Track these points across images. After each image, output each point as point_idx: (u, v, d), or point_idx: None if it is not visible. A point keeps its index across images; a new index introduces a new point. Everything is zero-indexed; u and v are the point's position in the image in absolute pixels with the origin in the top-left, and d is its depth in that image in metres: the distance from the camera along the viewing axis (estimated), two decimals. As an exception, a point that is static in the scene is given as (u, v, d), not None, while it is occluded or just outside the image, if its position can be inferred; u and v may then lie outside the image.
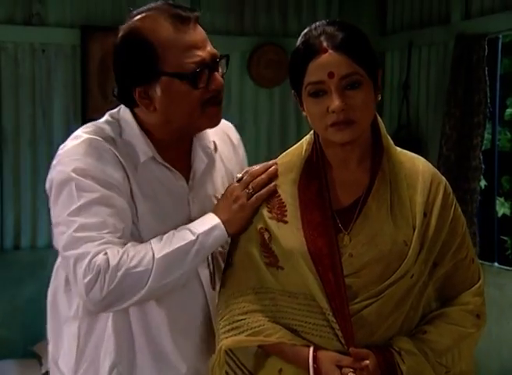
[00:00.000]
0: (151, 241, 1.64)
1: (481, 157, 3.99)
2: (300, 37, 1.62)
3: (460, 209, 1.74)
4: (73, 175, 1.63)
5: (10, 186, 4.41)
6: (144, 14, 1.67)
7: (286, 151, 1.77)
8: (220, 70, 1.72)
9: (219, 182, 1.86)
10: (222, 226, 1.68)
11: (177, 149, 1.78)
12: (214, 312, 1.77)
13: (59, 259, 1.78)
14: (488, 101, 3.94)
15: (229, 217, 1.69)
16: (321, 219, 1.62)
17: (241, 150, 1.99)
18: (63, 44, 4.46)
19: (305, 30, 1.62)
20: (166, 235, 1.65)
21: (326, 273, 1.58)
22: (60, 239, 1.64)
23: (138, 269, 1.58)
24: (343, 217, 1.63)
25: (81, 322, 1.73)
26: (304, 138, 1.75)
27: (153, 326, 1.73)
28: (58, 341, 1.80)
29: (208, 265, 1.79)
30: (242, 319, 1.65)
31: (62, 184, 1.64)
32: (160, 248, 1.62)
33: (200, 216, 1.74)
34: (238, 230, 1.71)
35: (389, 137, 1.70)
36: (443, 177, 1.75)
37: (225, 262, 1.76)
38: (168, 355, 1.74)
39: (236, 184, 1.74)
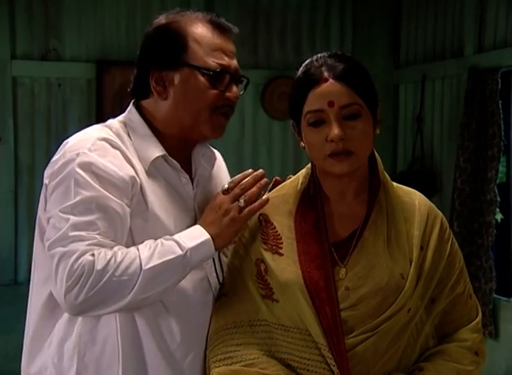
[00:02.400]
0: (139, 247, 1.58)
1: (496, 190, 3.97)
2: (301, 68, 1.62)
3: (457, 244, 1.71)
4: (76, 169, 1.57)
5: (25, 219, 4.44)
6: (185, 13, 1.72)
7: (282, 184, 1.76)
8: (238, 88, 1.74)
9: None
10: (212, 241, 1.62)
11: (180, 155, 1.74)
12: None
13: (36, 276, 1.72)
14: (503, 134, 3.93)
15: (219, 231, 1.63)
16: (318, 251, 1.60)
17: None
18: (79, 78, 4.54)
19: (306, 61, 1.62)
20: (154, 244, 1.58)
21: (323, 307, 1.56)
22: (50, 234, 1.58)
23: (123, 278, 1.52)
24: (340, 250, 1.61)
25: (81, 328, 1.64)
26: (300, 172, 1.74)
27: (164, 328, 1.66)
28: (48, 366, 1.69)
29: (215, 269, 1.76)
30: (235, 351, 1.62)
31: (63, 178, 1.59)
32: (147, 258, 1.55)
33: None
34: (226, 244, 1.68)
35: (385, 173, 1.69)
36: (440, 212, 1.72)
37: (218, 291, 1.73)
38: (180, 356, 1.68)
39: (224, 196, 1.68)
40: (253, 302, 1.65)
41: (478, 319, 1.71)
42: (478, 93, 4.03)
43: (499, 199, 3.99)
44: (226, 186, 1.69)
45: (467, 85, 4.12)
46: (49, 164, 1.67)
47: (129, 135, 1.70)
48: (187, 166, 1.77)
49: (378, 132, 1.63)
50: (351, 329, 1.56)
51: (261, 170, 1.71)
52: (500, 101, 3.93)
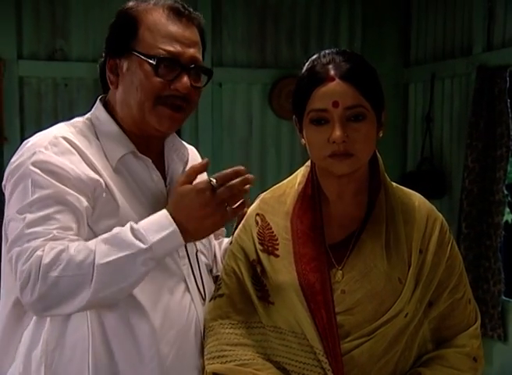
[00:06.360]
0: (97, 240, 1.47)
1: (505, 190, 3.92)
2: (307, 63, 1.58)
3: (457, 248, 1.67)
4: (32, 168, 1.52)
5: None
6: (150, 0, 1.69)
7: (279, 184, 1.73)
8: (198, 82, 1.66)
9: None
10: (179, 234, 1.47)
11: (150, 153, 1.69)
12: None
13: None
14: (511, 133, 3.88)
15: (194, 228, 1.49)
16: (315, 253, 1.57)
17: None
18: (85, 78, 4.52)
19: (313, 57, 1.58)
20: (113, 235, 1.47)
21: (319, 311, 1.53)
22: (10, 237, 1.51)
23: (76, 273, 1.42)
24: (336, 252, 1.58)
25: (48, 336, 1.57)
26: (299, 170, 1.71)
27: (136, 332, 1.59)
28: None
29: (193, 271, 1.69)
30: (230, 350, 1.60)
31: (19, 179, 1.53)
32: (103, 252, 1.43)
33: None
34: (199, 239, 1.61)
35: (386, 174, 1.66)
36: (440, 214, 1.68)
37: (215, 291, 1.70)
38: (154, 362, 1.61)
39: (210, 195, 1.47)
40: (249, 304, 1.63)
41: (476, 324, 1.68)
42: (487, 92, 3.98)
43: (509, 199, 3.94)
44: (214, 181, 1.48)
45: (475, 84, 4.08)
46: (8, 165, 1.61)
47: (96, 134, 1.66)
48: (160, 164, 1.72)
49: (381, 135, 1.59)
50: (347, 333, 1.54)
51: (251, 176, 1.51)
52: (509, 100, 3.88)
